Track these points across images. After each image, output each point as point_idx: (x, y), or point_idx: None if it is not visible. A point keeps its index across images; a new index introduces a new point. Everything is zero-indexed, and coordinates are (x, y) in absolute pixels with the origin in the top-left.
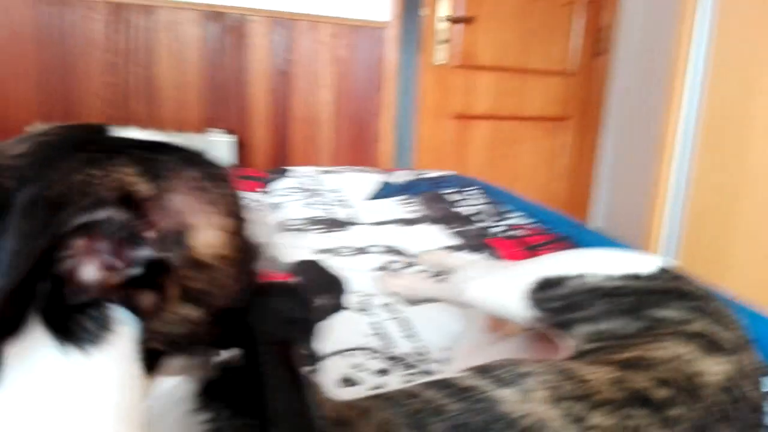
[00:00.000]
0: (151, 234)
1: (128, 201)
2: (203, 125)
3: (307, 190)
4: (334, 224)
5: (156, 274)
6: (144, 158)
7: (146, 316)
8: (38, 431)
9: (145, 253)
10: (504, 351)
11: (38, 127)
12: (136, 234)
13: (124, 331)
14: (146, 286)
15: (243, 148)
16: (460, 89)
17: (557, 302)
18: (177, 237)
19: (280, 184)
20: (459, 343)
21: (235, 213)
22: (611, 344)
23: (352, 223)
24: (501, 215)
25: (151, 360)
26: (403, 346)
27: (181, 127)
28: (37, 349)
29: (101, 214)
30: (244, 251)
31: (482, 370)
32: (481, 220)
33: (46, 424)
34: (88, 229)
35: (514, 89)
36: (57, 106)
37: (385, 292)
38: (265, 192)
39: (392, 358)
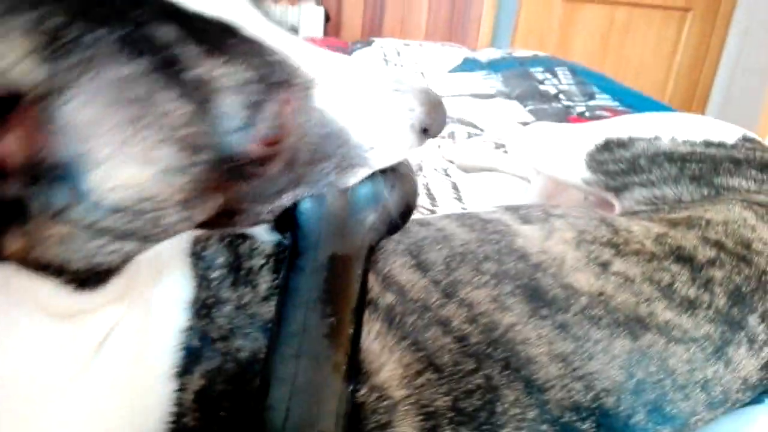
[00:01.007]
0: (13, 154)
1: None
2: None
3: (388, 60)
4: None
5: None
6: (61, 24)
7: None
8: None
9: None
10: None
11: None
12: None
13: None
14: None
15: (333, 21)
16: None
17: (619, 164)
18: (61, 169)
19: (362, 54)
20: None
21: (193, 139)
22: (665, 208)
23: None
24: (589, 96)
25: None
26: (450, 207)
27: None
28: None
29: None
30: (205, 185)
31: (512, 208)
32: (566, 99)
33: None
34: None
35: None
36: None
37: (443, 158)
38: None
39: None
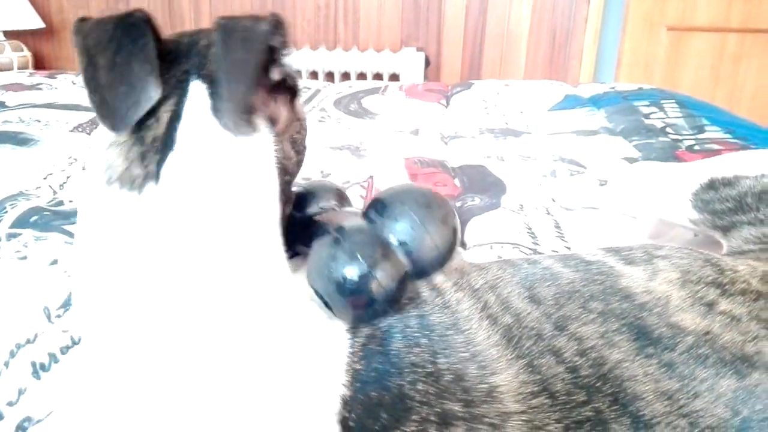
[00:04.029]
0: (287, 57)
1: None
2: (399, 45)
3: (488, 101)
4: (507, 132)
5: (286, 90)
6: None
7: (277, 132)
8: (198, 182)
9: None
10: None
11: None
12: (281, 49)
13: (265, 137)
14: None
15: (433, 65)
16: None
17: (725, 203)
18: (291, 80)
19: (462, 96)
20: None
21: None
22: None
23: (526, 132)
24: (698, 128)
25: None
26: (553, 245)
27: (379, 47)
28: (203, 127)
29: (279, 23)
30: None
31: (614, 249)
32: (674, 133)
33: (203, 177)
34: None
35: None
36: None
37: (545, 196)
38: (446, 103)
39: (539, 254)
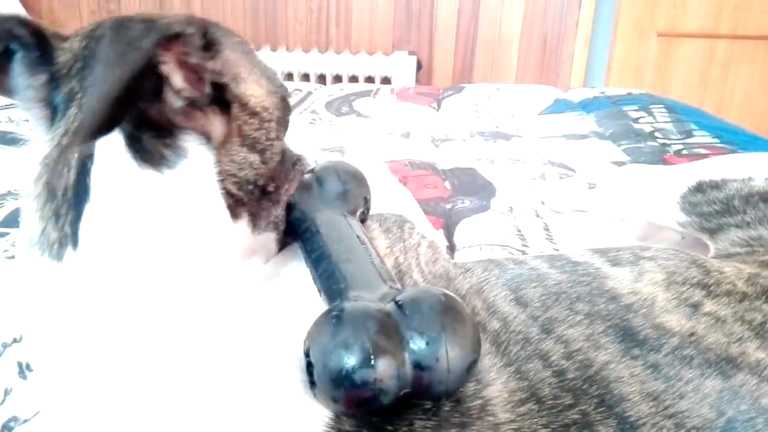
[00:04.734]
0: (215, 66)
1: (203, 32)
2: (391, 48)
3: (478, 104)
4: (498, 135)
5: (221, 100)
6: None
7: (216, 145)
8: (124, 239)
9: (211, 76)
10: None
11: None
12: (207, 58)
13: (199, 158)
14: (215, 106)
15: (424, 69)
16: (668, 1)
17: (713, 206)
18: (232, 78)
19: (453, 100)
20: None
21: (270, 77)
22: (760, 250)
23: (517, 136)
24: (687, 133)
25: (236, 206)
26: (542, 248)
27: (371, 50)
28: (119, 167)
29: (188, 28)
30: (282, 111)
31: (601, 250)
32: (663, 138)
33: (130, 231)
34: (175, 39)
35: (736, 1)
36: (263, 30)
37: (533, 199)
38: (437, 106)
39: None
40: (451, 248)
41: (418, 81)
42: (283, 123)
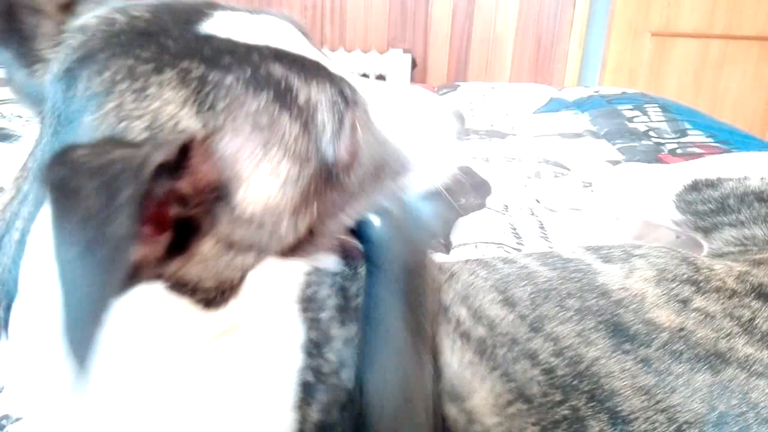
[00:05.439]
0: (188, 189)
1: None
2: (386, 46)
3: (473, 104)
4: (493, 134)
5: (187, 235)
6: (202, 76)
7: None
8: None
9: (178, 211)
10: None
11: None
12: (171, 193)
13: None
14: (175, 246)
15: (419, 67)
16: (662, 1)
17: (708, 205)
18: (220, 191)
19: (449, 98)
20: None
21: (303, 153)
22: (753, 249)
23: (512, 134)
24: (681, 132)
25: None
26: (537, 246)
27: (366, 48)
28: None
29: (155, 155)
30: (307, 195)
31: (593, 248)
32: (657, 137)
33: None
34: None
35: (729, 1)
36: None
37: (529, 197)
38: None
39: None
40: (447, 246)
41: (412, 79)
42: (321, 197)
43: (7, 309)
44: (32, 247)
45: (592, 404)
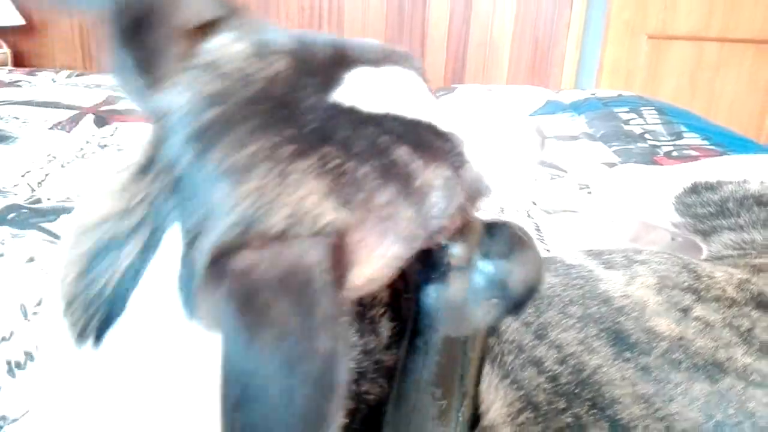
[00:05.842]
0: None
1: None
2: None
3: (470, 104)
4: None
5: None
6: (339, 165)
7: None
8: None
9: None
10: None
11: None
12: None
13: None
14: None
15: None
16: (659, 4)
17: (707, 207)
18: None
19: (446, 100)
20: None
21: (412, 234)
22: (752, 253)
23: None
24: (676, 135)
25: None
26: None
27: None
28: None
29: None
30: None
31: (595, 253)
32: (653, 139)
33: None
34: None
35: (726, 4)
36: None
37: (525, 199)
38: None
39: None
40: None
41: None
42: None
43: (106, 322)
44: (148, 283)
45: (593, 412)
